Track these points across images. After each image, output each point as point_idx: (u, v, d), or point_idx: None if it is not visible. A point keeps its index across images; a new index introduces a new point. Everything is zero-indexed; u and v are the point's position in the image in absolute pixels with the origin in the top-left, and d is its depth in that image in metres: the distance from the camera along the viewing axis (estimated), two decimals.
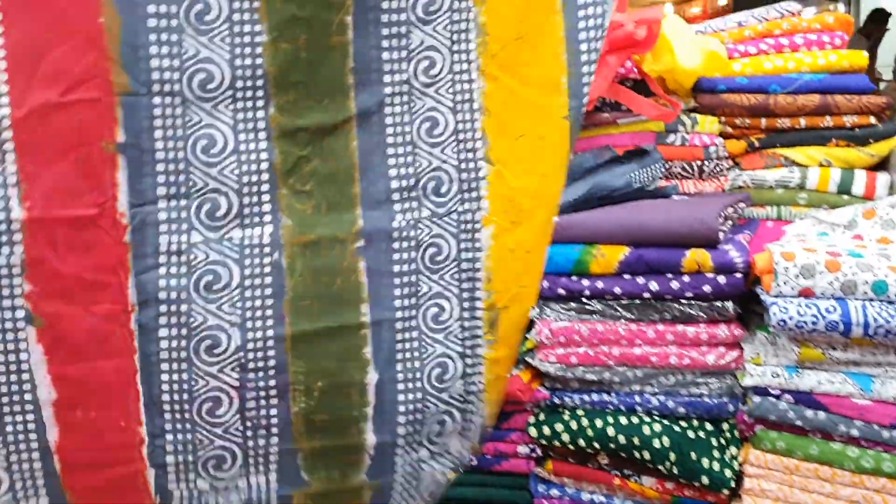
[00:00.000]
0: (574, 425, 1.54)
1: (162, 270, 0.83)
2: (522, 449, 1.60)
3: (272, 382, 0.88)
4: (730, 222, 1.61)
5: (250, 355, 0.86)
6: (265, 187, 0.86)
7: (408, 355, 0.92)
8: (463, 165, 0.93)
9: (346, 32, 0.84)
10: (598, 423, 1.52)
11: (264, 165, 0.85)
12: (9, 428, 0.82)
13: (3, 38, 0.74)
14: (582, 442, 1.53)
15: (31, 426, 0.83)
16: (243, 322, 0.86)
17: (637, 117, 1.84)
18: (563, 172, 0.94)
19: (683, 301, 1.47)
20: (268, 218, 0.86)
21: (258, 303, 0.86)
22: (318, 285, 0.88)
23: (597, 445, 1.53)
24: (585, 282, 1.51)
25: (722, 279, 1.44)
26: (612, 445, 1.51)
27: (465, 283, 0.94)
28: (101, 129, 0.81)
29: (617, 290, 1.50)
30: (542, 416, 1.57)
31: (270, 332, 0.86)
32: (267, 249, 0.85)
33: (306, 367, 0.88)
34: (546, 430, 1.55)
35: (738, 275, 1.44)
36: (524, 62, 0.93)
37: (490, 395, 0.92)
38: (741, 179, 1.90)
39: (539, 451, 1.61)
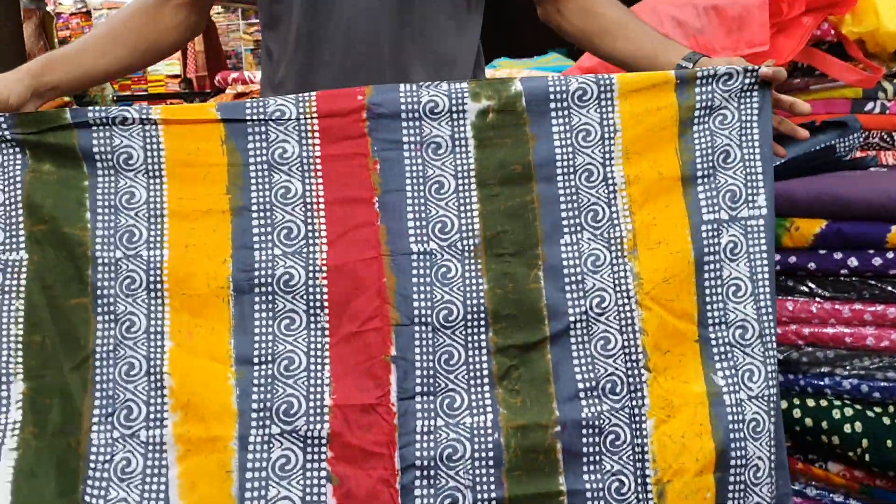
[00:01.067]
0: None
1: (417, 446, 1.15)
2: None
3: None
4: None
5: None
6: (486, 388, 1.19)
7: None
8: (629, 373, 1.21)
9: (540, 282, 1.20)
10: (783, 404, 1.46)
11: (486, 372, 1.19)
12: None
13: (328, 292, 1.17)
14: None
15: None
16: (474, 485, 1.16)
17: (832, 83, 1.73)
18: (701, 378, 1.22)
19: (886, 279, 1.39)
20: (489, 409, 1.18)
21: (483, 471, 1.16)
22: (526, 460, 1.17)
23: None
24: (777, 256, 1.43)
25: None
26: (797, 428, 1.45)
27: (638, 464, 1.19)
28: (382, 346, 1.17)
29: (811, 265, 1.44)
30: None
31: (494, 495, 1.16)
32: (490, 431, 1.17)
33: None
34: None
35: None
36: (668, 298, 1.22)
37: None
38: None
39: None
